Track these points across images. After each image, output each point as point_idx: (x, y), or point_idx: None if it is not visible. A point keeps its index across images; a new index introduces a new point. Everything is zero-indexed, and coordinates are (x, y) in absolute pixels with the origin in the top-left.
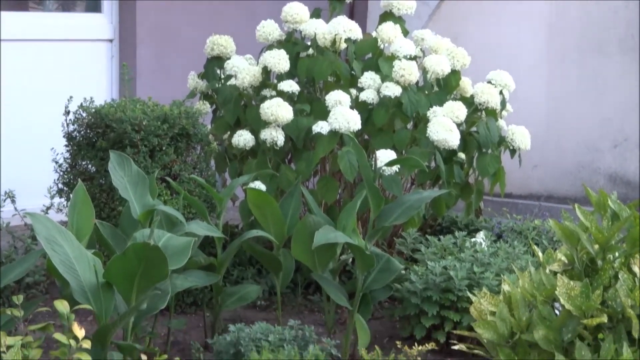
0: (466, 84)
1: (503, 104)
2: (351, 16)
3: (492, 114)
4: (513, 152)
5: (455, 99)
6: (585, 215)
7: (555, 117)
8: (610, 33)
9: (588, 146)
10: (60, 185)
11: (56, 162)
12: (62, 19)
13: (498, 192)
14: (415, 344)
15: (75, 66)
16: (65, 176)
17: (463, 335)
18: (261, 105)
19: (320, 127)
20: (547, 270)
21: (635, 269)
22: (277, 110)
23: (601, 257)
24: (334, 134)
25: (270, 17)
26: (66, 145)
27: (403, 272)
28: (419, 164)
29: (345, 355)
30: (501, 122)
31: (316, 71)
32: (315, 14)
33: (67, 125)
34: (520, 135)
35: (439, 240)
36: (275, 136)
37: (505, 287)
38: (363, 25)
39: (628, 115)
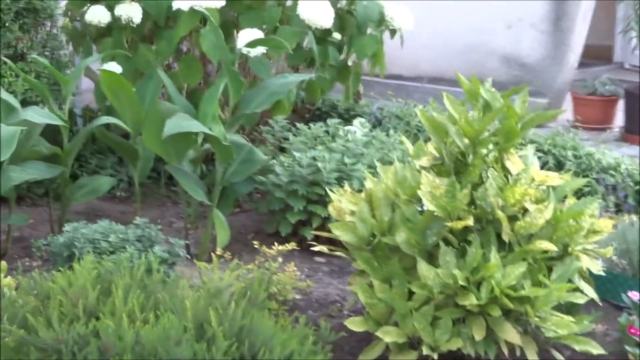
0: None
1: None
2: None
3: None
4: (393, 32)
5: None
6: (454, 105)
7: None
8: None
9: (480, 26)
10: None
11: None
12: None
13: (390, 74)
14: (276, 243)
15: None
16: None
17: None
18: None
19: (181, 3)
20: (418, 165)
21: (509, 164)
22: None
23: (472, 152)
24: (195, 10)
25: None
26: None
27: (271, 162)
28: (282, 45)
29: (204, 253)
30: (384, 2)
31: None
32: None
33: None
34: (400, 14)
35: (309, 128)
36: (131, 12)
37: (368, 183)
38: None
39: None
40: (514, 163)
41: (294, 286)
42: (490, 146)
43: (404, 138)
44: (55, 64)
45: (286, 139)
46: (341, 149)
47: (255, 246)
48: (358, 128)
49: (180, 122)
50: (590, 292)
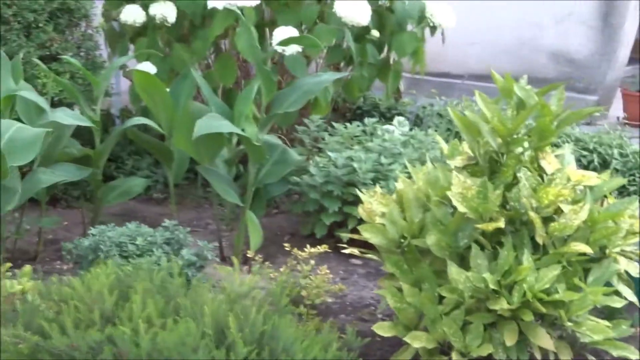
0: None
1: None
2: None
3: None
4: (433, 29)
5: None
6: (486, 103)
7: None
8: None
9: (529, 22)
10: None
11: None
12: None
13: (437, 72)
14: (308, 245)
15: None
16: None
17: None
18: None
19: (216, 2)
20: (452, 165)
21: (544, 164)
22: None
23: (505, 151)
24: (229, 9)
25: None
26: None
27: (306, 163)
28: (315, 44)
29: (238, 255)
30: None
31: None
32: None
33: None
34: (441, 11)
35: (346, 127)
36: (165, 11)
37: (399, 184)
38: None
39: None
40: (549, 162)
41: (327, 289)
42: (526, 145)
43: (438, 137)
44: (91, 65)
45: (322, 138)
46: (378, 149)
47: (287, 249)
48: (396, 127)
49: (211, 123)
50: (630, 295)
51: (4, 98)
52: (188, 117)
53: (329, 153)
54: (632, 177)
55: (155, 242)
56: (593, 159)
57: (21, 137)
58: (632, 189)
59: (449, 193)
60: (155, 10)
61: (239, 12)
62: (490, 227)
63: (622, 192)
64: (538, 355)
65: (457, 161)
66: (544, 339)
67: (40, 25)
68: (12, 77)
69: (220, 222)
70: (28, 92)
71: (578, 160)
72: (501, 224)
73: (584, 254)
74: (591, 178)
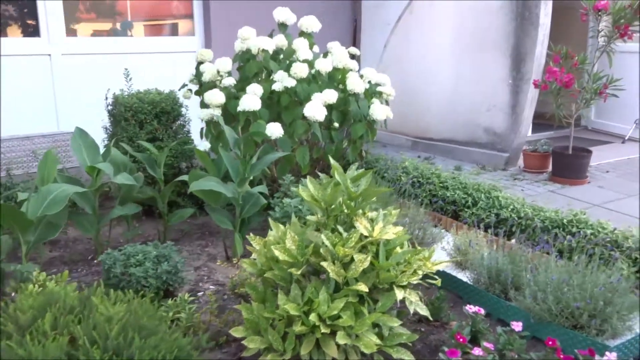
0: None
1: (372, 90)
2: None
3: (366, 95)
4: (373, 122)
5: (341, 88)
6: (313, 184)
7: (456, 90)
8: (487, 37)
9: (473, 109)
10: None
11: (104, 128)
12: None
13: (426, 137)
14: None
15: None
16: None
17: None
18: (204, 94)
19: (240, 107)
20: (312, 220)
21: (357, 225)
22: (211, 97)
23: (327, 216)
24: (244, 112)
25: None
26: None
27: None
28: (261, 135)
29: (231, 260)
30: (377, 101)
31: (248, 69)
32: (269, 35)
33: (107, 105)
34: (377, 110)
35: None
36: (213, 114)
37: (272, 232)
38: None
39: (496, 90)
40: (361, 224)
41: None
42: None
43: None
44: (183, 143)
45: (290, 189)
46: None
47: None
48: None
49: (200, 183)
50: (423, 311)
51: (89, 167)
52: (194, 177)
53: (285, 199)
54: (489, 213)
55: (149, 257)
56: (468, 200)
57: (59, 196)
58: (487, 220)
59: (272, 246)
60: (206, 113)
61: (217, 114)
62: (295, 272)
63: (485, 221)
64: (330, 357)
65: (316, 217)
66: (331, 349)
67: (149, 121)
68: (101, 155)
69: (223, 238)
70: (103, 164)
71: (460, 200)
72: (301, 271)
73: (376, 288)
74: (388, 234)
